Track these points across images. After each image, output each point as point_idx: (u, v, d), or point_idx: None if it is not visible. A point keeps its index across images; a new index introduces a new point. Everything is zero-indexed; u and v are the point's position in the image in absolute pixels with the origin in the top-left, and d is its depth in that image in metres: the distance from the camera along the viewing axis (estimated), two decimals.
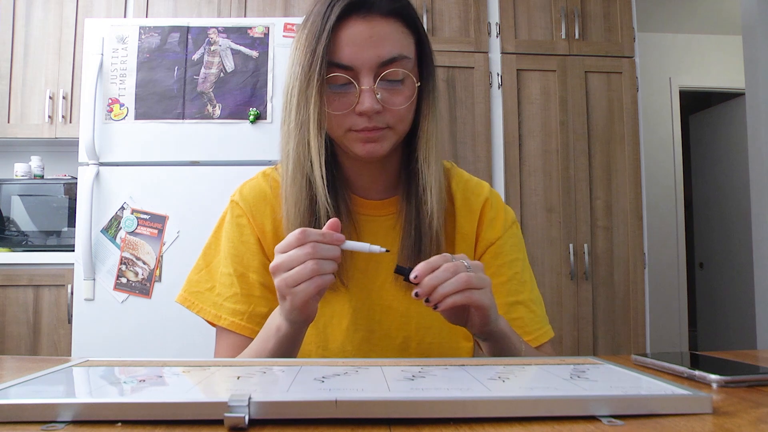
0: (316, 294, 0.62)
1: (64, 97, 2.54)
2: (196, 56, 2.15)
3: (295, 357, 0.72)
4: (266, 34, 2.18)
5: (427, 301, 0.61)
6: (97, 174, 2.09)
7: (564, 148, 2.59)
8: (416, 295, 0.61)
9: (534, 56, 2.63)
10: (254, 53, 2.17)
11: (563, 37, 2.64)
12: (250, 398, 0.40)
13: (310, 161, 0.74)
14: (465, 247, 0.85)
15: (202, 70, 2.15)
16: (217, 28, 2.17)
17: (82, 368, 0.56)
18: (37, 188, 2.50)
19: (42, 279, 2.28)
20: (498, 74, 2.60)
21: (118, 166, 2.11)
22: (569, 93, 2.62)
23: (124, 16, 2.58)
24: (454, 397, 0.42)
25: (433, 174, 0.78)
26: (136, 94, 2.13)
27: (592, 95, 2.64)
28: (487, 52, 2.61)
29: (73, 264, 2.11)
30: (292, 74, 0.75)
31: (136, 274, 2.06)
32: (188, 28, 2.17)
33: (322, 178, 0.74)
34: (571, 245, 2.54)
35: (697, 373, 0.55)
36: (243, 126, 2.14)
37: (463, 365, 0.56)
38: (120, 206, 2.09)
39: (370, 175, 0.83)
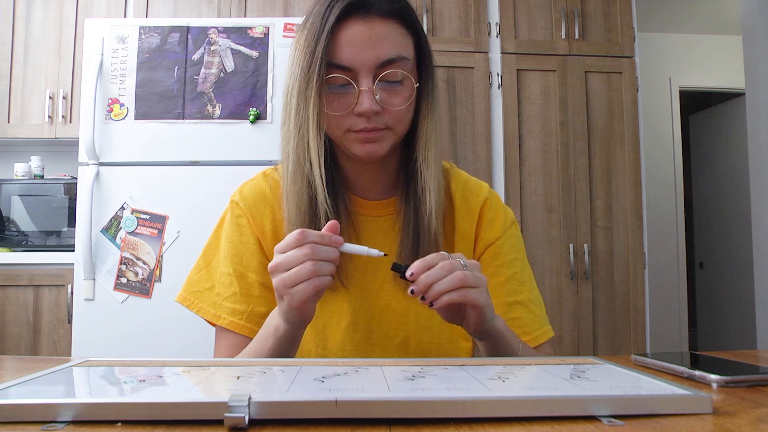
0: (314, 295, 0.62)
1: (64, 97, 2.54)
2: (196, 56, 2.15)
3: (293, 357, 0.72)
4: (266, 34, 2.18)
5: (422, 298, 0.62)
6: (97, 174, 2.09)
7: (564, 148, 2.59)
8: (412, 292, 0.61)
9: (534, 56, 2.63)
10: (254, 53, 2.17)
11: (563, 37, 2.64)
12: (250, 398, 0.40)
13: (309, 162, 0.74)
14: (464, 248, 0.85)
15: (202, 70, 2.15)
16: (217, 28, 2.17)
17: (82, 368, 0.56)
18: (37, 188, 2.50)
19: (42, 279, 2.28)
20: (498, 74, 2.60)
21: (118, 166, 2.11)
22: (569, 93, 2.62)
23: (124, 16, 2.58)
24: (454, 397, 0.42)
25: (432, 174, 0.78)
26: (136, 94, 2.13)
27: (592, 95, 2.64)
28: (487, 52, 2.60)
29: (73, 264, 2.11)
30: (291, 75, 0.76)
31: (136, 274, 2.06)
32: (188, 28, 2.16)
33: (322, 178, 0.74)
34: (571, 245, 2.54)
35: (697, 373, 0.55)
36: (243, 126, 2.14)
37: (463, 365, 0.56)
38: (120, 206, 2.09)
39: (369, 175, 0.83)
